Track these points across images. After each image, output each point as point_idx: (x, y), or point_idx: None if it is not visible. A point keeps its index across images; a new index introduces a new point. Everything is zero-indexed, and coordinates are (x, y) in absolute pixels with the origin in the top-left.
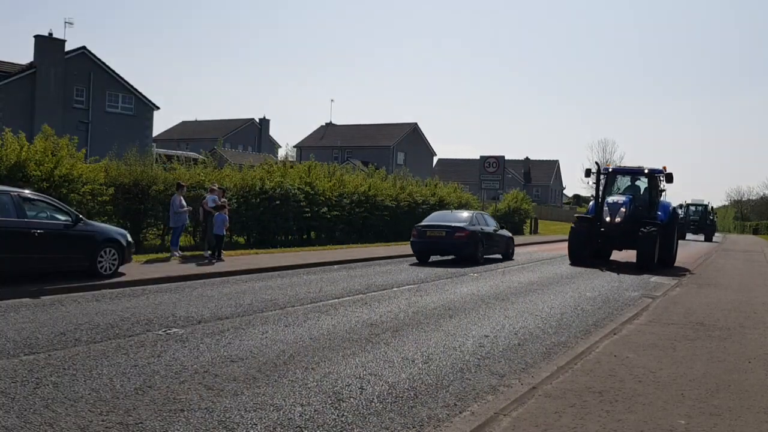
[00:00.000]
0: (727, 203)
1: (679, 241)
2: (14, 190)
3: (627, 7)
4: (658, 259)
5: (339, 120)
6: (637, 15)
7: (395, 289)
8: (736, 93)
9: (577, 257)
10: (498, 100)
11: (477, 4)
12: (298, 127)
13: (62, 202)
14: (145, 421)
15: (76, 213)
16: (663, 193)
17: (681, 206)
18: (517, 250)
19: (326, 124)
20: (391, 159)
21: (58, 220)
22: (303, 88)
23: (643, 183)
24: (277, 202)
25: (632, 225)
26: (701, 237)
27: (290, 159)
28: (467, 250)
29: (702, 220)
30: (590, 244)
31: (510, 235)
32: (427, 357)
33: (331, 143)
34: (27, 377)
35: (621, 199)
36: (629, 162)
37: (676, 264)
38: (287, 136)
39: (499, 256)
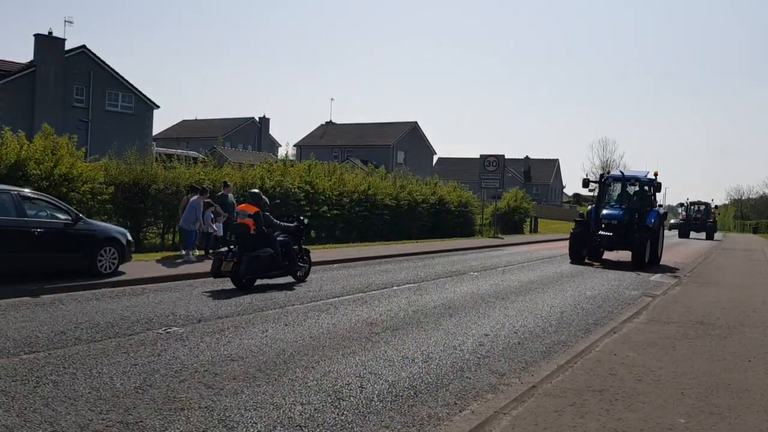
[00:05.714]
0: (727, 202)
1: (683, 240)
2: (14, 189)
3: (627, 6)
4: (648, 258)
5: (339, 119)
6: (638, 15)
7: (395, 287)
8: (737, 93)
9: (576, 256)
10: (498, 99)
11: (477, 4)
12: (298, 126)
13: (62, 200)
14: (145, 420)
15: (76, 212)
16: (656, 197)
17: (682, 204)
18: (517, 249)
19: (326, 123)
20: (391, 158)
21: (58, 219)
22: (303, 87)
23: (633, 188)
24: (277, 201)
25: (626, 230)
26: (702, 235)
27: (290, 158)
28: None
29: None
30: (588, 245)
31: None
32: (427, 356)
33: (331, 142)
34: (27, 376)
35: (615, 213)
36: (630, 161)
37: (667, 263)
38: (287, 135)
39: None
